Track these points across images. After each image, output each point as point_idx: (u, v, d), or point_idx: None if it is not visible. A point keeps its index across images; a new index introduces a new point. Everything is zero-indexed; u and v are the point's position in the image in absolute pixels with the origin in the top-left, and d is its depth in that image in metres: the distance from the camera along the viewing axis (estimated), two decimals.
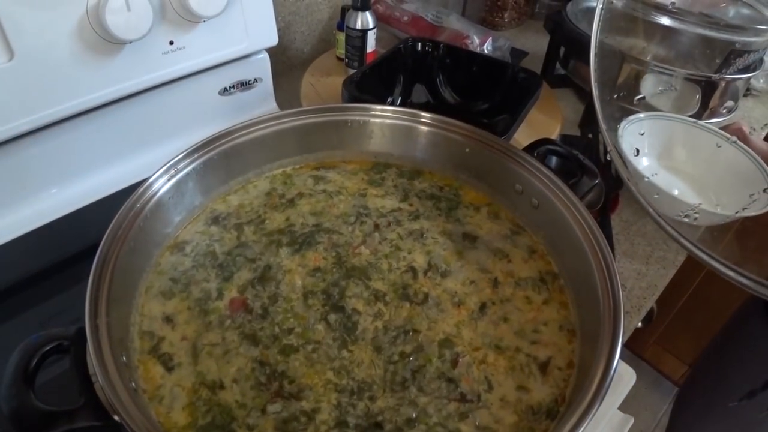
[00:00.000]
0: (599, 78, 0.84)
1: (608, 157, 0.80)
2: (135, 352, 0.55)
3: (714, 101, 1.00)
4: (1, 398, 0.44)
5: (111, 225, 0.56)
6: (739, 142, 0.92)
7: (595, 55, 0.83)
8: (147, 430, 0.42)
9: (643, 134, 0.91)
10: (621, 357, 0.50)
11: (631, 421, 0.71)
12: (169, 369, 0.54)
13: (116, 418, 0.43)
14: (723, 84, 0.99)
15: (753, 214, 0.79)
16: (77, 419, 0.44)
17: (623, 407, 0.70)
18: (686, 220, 0.77)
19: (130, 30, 0.70)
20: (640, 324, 0.85)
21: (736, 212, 0.80)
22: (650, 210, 0.73)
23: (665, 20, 0.93)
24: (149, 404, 0.51)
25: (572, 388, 0.55)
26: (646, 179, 0.79)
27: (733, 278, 0.66)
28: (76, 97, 0.73)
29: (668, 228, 0.72)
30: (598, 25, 0.84)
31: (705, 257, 0.68)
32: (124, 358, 0.50)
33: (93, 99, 0.75)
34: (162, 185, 0.62)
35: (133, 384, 0.49)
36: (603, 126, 0.82)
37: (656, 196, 0.78)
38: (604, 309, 0.54)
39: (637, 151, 0.88)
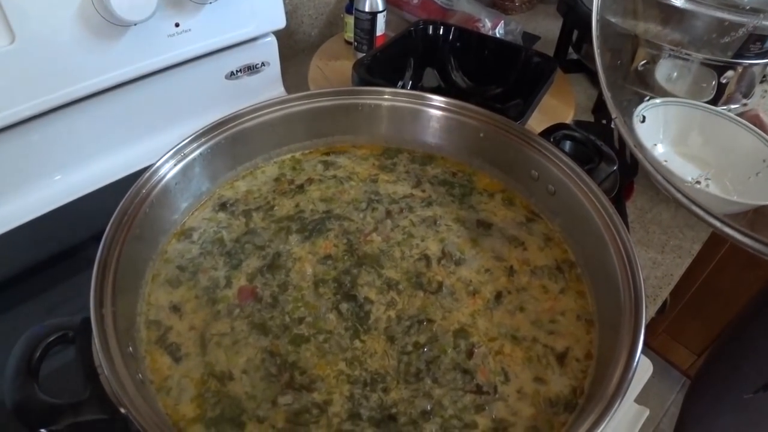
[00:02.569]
0: (602, 45, 0.82)
1: (612, 125, 0.79)
2: (142, 342, 0.53)
3: (730, 87, 0.98)
4: (4, 391, 0.43)
5: (116, 211, 0.55)
6: (756, 129, 0.90)
7: (597, 21, 0.81)
8: (154, 423, 0.41)
9: (649, 123, 0.89)
10: None
11: (647, 412, 0.70)
12: (177, 360, 0.52)
13: (122, 410, 0.42)
14: (740, 69, 0.96)
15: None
16: (83, 412, 0.43)
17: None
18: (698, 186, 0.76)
19: (135, 11, 0.68)
20: (653, 314, 0.83)
21: (749, 176, 0.79)
22: (659, 177, 0.72)
23: (681, 3, 0.90)
24: (156, 396, 0.50)
25: (591, 380, 0.53)
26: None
27: (750, 245, 0.64)
28: (79, 81, 0.72)
29: (678, 195, 0.70)
30: None
31: (718, 224, 0.67)
32: (130, 348, 0.49)
33: (97, 83, 0.73)
34: (168, 171, 0.60)
35: (140, 375, 0.48)
36: (608, 93, 0.80)
37: (665, 162, 0.76)
38: (624, 299, 0.53)
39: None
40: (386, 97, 0.73)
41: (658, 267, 0.82)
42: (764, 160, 0.85)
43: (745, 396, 1.01)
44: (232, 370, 0.52)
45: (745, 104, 1.01)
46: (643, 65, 0.98)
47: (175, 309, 0.56)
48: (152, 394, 0.49)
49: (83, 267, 0.67)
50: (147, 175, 0.59)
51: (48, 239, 0.73)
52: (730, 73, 0.93)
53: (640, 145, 0.75)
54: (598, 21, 0.83)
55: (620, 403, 0.44)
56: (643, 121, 0.90)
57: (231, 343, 0.54)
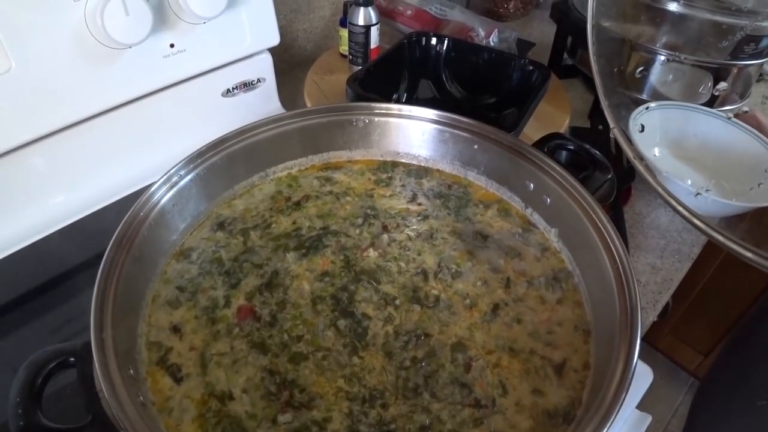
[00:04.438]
0: (598, 51, 0.82)
1: (612, 135, 0.79)
2: (143, 363, 0.54)
3: (726, 89, 0.98)
4: (8, 417, 0.44)
5: (115, 234, 0.56)
6: (753, 130, 0.90)
7: (593, 26, 0.81)
8: None
9: (645, 127, 0.89)
10: None
11: (649, 419, 0.70)
12: (178, 380, 0.53)
13: None
14: (735, 70, 0.97)
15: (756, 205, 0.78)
16: None
17: (640, 401, 0.68)
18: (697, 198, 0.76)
19: (129, 34, 0.69)
20: (655, 318, 0.83)
21: (751, 186, 0.79)
22: (660, 190, 0.72)
23: (674, 6, 0.91)
24: (158, 417, 0.50)
25: (589, 391, 0.53)
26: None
27: (751, 259, 0.64)
28: (77, 105, 0.72)
29: (679, 208, 0.70)
30: None
31: (721, 238, 0.67)
32: (131, 370, 0.49)
33: (95, 106, 0.74)
34: (165, 193, 0.61)
35: (141, 398, 0.48)
36: (605, 102, 0.80)
37: (665, 174, 0.77)
38: (619, 307, 0.53)
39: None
40: (380, 111, 0.74)
41: (657, 272, 0.82)
42: (766, 170, 0.85)
43: (758, 403, 1.00)
44: (233, 390, 0.52)
45: (745, 107, 1.02)
46: (638, 70, 0.98)
47: (176, 330, 0.57)
48: (154, 415, 0.50)
49: (86, 287, 0.68)
50: (144, 197, 0.59)
51: (50, 261, 0.74)
52: (722, 85, 0.94)
53: (639, 156, 0.75)
54: (593, 27, 0.83)
55: (617, 413, 0.44)
56: (642, 130, 0.90)
57: (231, 362, 0.54)
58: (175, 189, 0.62)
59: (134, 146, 0.83)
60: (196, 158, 0.64)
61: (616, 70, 0.95)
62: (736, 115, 0.95)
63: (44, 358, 0.47)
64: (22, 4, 0.63)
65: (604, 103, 0.80)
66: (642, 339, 0.51)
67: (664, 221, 0.89)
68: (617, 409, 0.45)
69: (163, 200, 0.61)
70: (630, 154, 0.75)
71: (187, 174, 0.63)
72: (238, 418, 0.50)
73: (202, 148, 0.65)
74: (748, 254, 0.64)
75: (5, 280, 0.71)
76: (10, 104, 0.66)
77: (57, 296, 0.70)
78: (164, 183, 0.61)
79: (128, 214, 0.58)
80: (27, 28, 0.65)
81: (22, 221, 0.75)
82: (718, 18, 0.90)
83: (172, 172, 0.62)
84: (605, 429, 0.44)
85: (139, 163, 0.84)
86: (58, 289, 0.71)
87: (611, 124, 0.78)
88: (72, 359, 0.48)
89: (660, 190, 0.72)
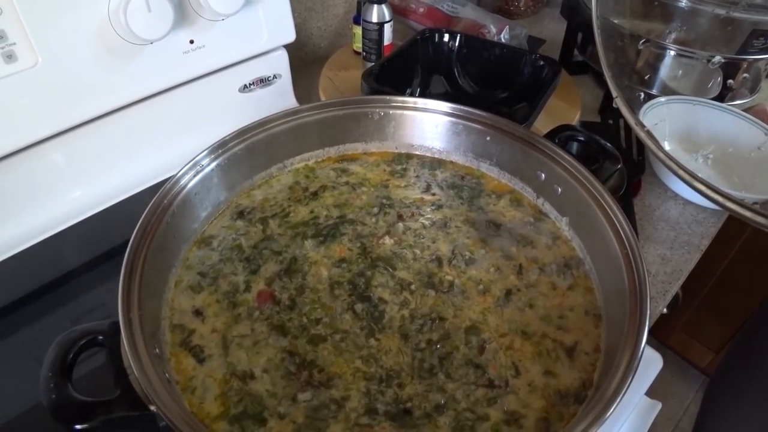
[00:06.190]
0: (602, 26, 0.83)
1: (614, 105, 0.80)
2: (167, 345, 0.56)
3: (736, 83, 0.99)
4: (40, 391, 0.46)
5: (140, 222, 0.58)
6: (763, 124, 0.91)
7: (597, 3, 0.82)
8: (182, 419, 0.43)
9: (662, 121, 0.90)
10: (647, 344, 0.50)
11: (659, 406, 0.71)
12: (201, 361, 0.55)
13: (152, 408, 0.44)
14: (745, 65, 0.97)
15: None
16: (114, 409, 0.46)
17: (651, 394, 0.69)
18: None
19: (151, 30, 0.71)
20: (665, 310, 0.84)
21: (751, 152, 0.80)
22: (660, 154, 0.72)
23: (684, 2, 0.92)
24: (182, 395, 0.52)
25: (599, 373, 0.55)
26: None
27: (750, 219, 0.65)
28: (99, 100, 0.75)
29: (680, 171, 0.71)
30: None
31: (719, 198, 0.67)
32: (156, 350, 0.51)
33: (116, 100, 0.76)
34: (188, 182, 0.63)
35: (167, 375, 0.50)
36: (608, 72, 0.81)
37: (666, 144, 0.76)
38: (629, 293, 0.54)
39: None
40: (395, 105, 0.75)
41: (667, 263, 0.83)
42: (766, 134, 0.86)
43: None
44: (254, 370, 0.54)
45: (755, 101, 1.02)
46: (647, 64, 0.99)
47: (198, 313, 0.59)
48: (178, 393, 0.52)
49: (104, 279, 0.70)
50: (168, 186, 0.61)
51: (74, 252, 0.76)
52: (717, 58, 0.94)
53: (641, 123, 0.76)
54: (597, 3, 0.84)
55: (624, 393, 0.46)
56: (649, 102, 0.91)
57: (252, 344, 0.56)
58: (198, 177, 0.64)
59: (152, 141, 0.85)
60: (218, 148, 0.66)
61: (625, 65, 0.96)
62: (747, 109, 0.96)
63: (74, 337, 0.49)
64: (48, 1, 0.66)
65: (607, 74, 0.80)
66: (652, 333, 0.52)
67: (674, 213, 0.90)
68: (624, 389, 0.46)
69: (186, 189, 0.63)
70: (632, 121, 0.76)
71: (209, 164, 0.65)
72: (259, 396, 0.52)
73: (225, 137, 0.67)
74: (747, 213, 0.64)
75: (25, 272, 0.73)
76: (37, 98, 0.69)
77: (77, 288, 0.72)
78: (187, 172, 0.63)
79: (152, 202, 0.60)
80: (53, 24, 0.67)
81: (41, 215, 0.77)
82: (728, 13, 0.91)
83: (195, 161, 0.64)
84: (613, 407, 0.45)
85: (157, 158, 0.85)
86: (77, 281, 0.73)
87: (614, 94, 0.79)
88: (101, 338, 0.50)
89: (661, 154, 0.72)
